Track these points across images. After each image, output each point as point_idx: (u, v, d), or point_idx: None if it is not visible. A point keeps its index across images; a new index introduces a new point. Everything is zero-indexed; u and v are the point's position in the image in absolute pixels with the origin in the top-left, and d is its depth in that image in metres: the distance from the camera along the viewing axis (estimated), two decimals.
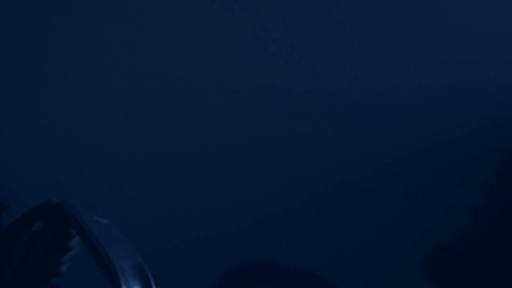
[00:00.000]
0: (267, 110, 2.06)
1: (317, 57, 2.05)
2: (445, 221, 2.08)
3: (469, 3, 2.03)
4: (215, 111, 2.05)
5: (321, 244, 2.09)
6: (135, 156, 2.05)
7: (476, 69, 2.06)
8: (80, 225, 1.10)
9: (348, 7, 2.04)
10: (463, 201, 2.09)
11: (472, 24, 2.04)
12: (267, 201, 2.08)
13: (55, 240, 1.19)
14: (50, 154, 2.03)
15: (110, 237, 1.09)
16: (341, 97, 2.06)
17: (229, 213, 2.07)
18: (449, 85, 2.06)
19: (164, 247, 2.04)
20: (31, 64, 2.02)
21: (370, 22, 2.04)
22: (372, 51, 2.05)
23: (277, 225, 2.09)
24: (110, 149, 2.05)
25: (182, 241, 2.07)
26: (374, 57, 2.05)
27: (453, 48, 2.05)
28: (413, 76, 2.06)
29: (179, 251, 2.04)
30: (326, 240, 2.09)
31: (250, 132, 2.06)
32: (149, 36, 2.03)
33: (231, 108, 2.06)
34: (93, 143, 2.04)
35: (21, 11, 2.00)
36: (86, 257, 1.14)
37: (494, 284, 2.06)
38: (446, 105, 2.07)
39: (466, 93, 2.07)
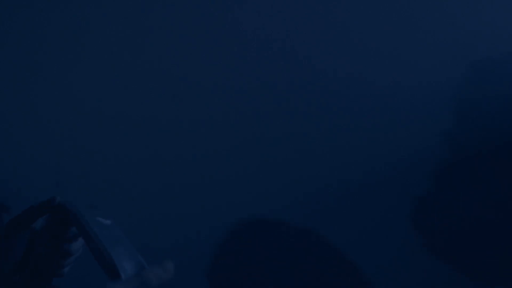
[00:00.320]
0: (267, 109, 2.06)
1: (317, 56, 2.05)
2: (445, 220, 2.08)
3: (469, 3, 2.04)
4: (215, 110, 2.06)
5: (322, 243, 2.09)
6: (136, 156, 2.05)
7: (476, 69, 2.06)
8: (82, 224, 1.10)
9: (348, 6, 2.04)
10: (464, 201, 2.09)
11: (472, 24, 2.04)
12: (267, 201, 2.08)
13: (56, 240, 1.19)
14: (51, 154, 2.03)
15: (112, 237, 1.09)
16: (341, 97, 2.06)
17: (230, 213, 2.07)
18: (448, 85, 2.06)
19: (164, 247, 2.04)
20: (31, 63, 2.02)
21: (370, 22, 2.05)
22: (372, 51, 2.05)
23: (277, 224, 2.09)
24: (110, 149, 2.05)
25: (183, 241, 2.07)
26: (374, 57, 2.05)
27: (453, 48, 2.05)
28: (413, 76, 2.06)
29: (180, 251, 2.04)
30: (326, 240, 2.09)
31: (250, 131, 2.06)
32: (149, 36, 2.03)
33: (232, 107, 2.06)
34: (93, 143, 2.04)
35: (21, 11, 2.00)
36: (86, 257, 1.14)
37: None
38: (445, 106, 2.07)
39: (466, 93, 2.07)
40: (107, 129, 2.04)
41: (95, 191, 2.03)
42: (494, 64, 2.05)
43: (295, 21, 2.04)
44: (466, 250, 2.09)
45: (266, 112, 2.06)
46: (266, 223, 2.09)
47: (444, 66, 2.06)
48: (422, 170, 2.08)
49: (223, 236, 2.08)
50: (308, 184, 2.08)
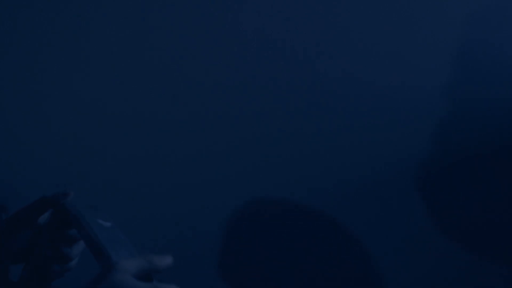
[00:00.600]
0: (267, 109, 2.06)
1: (317, 56, 2.05)
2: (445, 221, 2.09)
3: (469, 3, 2.04)
4: (215, 110, 2.05)
5: (321, 243, 2.09)
6: (136, 155, 2.05)
7: (476, 69, 2.06)
8: (82, 225, 1.10)
9: (348, 7, 2.04)
10: (463, 202, 2.10)
11: (472, 24, 2.04)
12: (267, 201, 2.08)
13: (56, 243, 1.18)
14: (51, 154, 2.03)
15: (112, 238, 1.08)
16: (341, 96, 2.06)
17: (230, 212, 2.07)
18: (449, 85, 2.06)
19: (164, 247, 2.04)
20: (32, 63, 2.02)
21: (370, 22, 2.04)
22: (372, 51, 2.05)
23: (277, 223, 2.09)
24: (110, 149, 2.05)
25: (183, 241, 2.07)
26: (375, 57, 2.05)
27: (452, 48, 2.05)
28: (413, 76, 2.06)
29: (180, 251, 2.04)
30: (325, 239, 2.09)
31: (250, 131, 2.06)
32: (149, 36, 2.03)
33: (232, 107, 2.06)
34: (93, 143, 2.04)
35: (21, 11, 2.00)
36: (86, 258, 1.14)
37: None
38: (445, 106, 2.07)
39: (466, 93, 2.07)
40: (107, 129, 2.04)
41: (95, 191, 2.03)
42: (494, 64, 2.05)
43: (295, 21, 2.04)
44: (466, 250, 2.09)
45: (266, 112, 2.06)
46: (266, 223, 2.09)
47: (444, 66, 2.06)
48: (422, 170, 2.08)
49: (223, 236, 2.08)
50: (308, 184, 2.08)
